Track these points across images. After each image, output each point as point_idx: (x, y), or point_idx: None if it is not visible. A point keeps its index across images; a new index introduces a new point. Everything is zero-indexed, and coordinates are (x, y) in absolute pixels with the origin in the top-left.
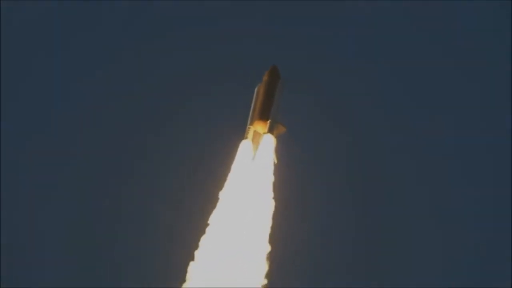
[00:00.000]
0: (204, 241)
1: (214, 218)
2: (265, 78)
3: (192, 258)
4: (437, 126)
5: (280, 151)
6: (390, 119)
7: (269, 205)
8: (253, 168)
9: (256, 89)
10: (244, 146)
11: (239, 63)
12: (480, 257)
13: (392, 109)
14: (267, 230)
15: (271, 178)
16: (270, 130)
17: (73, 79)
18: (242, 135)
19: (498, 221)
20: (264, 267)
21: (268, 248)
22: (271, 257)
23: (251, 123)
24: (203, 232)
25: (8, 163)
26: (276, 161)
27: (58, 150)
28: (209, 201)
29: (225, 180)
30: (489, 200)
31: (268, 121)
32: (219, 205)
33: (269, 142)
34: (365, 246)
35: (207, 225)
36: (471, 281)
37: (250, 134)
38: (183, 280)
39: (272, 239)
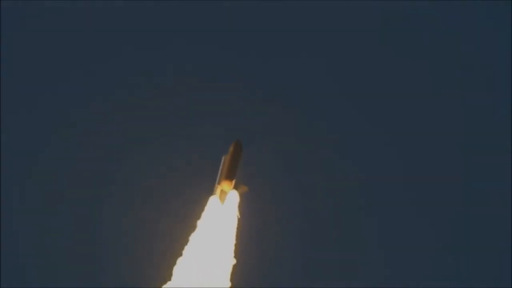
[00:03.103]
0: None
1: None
2: (230, 149)
3: None
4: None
5: (242, 207)
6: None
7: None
8: (219, 217)
9: (223, 158)
10: (212, 200)
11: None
12: (480, 257)
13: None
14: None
15: (234, 226)
16: (235, 188)
17: None
18: (211, 193)
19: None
20: None
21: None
22: None
23: (219, 183)
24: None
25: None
26: (239, 216)
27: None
28: (179, 242)
29: (195, 225)
30: (488, 199)
31: (233, 181)
32: (188, 245)
33: (234, 197)
34: None
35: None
36: (471, 281)
37: (218, 191)
38: None
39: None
